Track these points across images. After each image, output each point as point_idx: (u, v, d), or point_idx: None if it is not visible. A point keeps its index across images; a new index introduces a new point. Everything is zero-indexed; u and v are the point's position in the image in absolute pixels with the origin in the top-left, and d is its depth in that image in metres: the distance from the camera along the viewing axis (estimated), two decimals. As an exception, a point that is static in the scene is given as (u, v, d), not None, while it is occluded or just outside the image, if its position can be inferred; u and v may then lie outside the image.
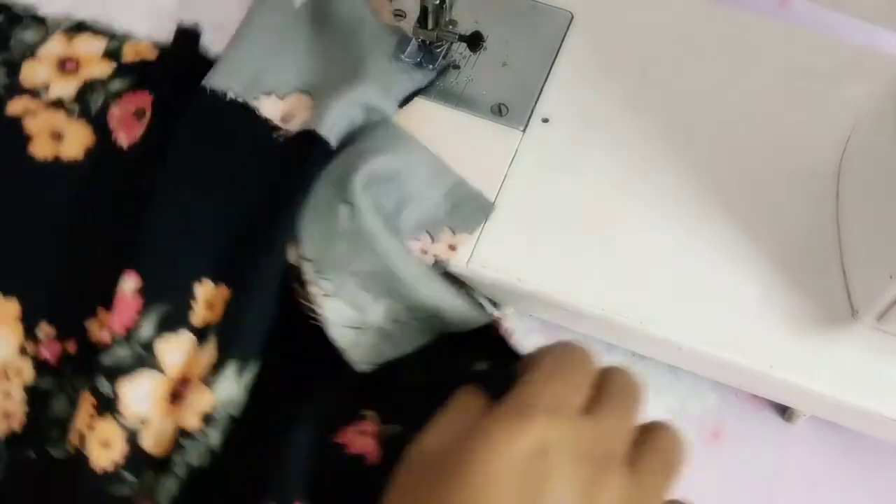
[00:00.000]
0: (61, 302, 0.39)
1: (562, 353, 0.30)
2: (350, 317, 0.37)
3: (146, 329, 0.36)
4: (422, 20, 0.44)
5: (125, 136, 0.44)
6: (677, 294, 0.40)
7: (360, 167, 0.38)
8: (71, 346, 0.38)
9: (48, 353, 0.38)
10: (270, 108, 0.42)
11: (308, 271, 0.36)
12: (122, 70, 0.46)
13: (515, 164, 0.43)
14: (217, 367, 0.35)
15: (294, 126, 0.42)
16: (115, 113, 0.44)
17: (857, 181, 0.41)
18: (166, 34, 0.49)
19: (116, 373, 0.35)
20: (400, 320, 0.37)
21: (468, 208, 0.41)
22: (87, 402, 0.35)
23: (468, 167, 0.43)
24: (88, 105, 0.45)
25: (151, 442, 0.34)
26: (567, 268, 0.40)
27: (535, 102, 0.45)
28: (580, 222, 0.42)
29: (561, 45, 0.47)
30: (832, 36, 0.49)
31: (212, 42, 0.47)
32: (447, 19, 0.45)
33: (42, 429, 0.37)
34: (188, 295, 0.36)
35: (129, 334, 0.35)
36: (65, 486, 0.34)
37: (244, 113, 0.42)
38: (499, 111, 0.45)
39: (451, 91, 0.46)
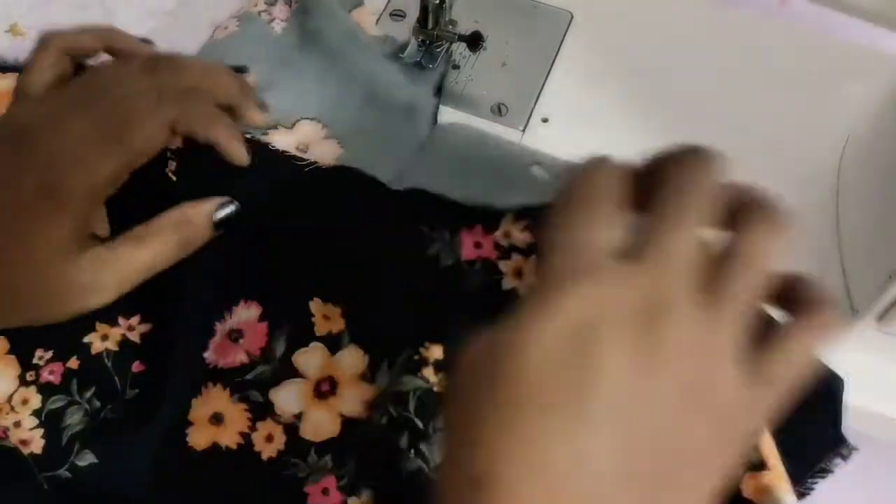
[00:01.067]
0: (48, 326, 0.38)
1: (577, 185, 0.25)
2: None
3: (279, 348, 0.39)
4: (422, 20, 0.44)
5: None
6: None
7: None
8: (73, 363, 0.39)
9: (51, 375, 0.39)
10: (284, 141, 0.42)
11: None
12: None
13: (515, 164, 0.43)
14: (372, 368, 0.38)
15: (316, 156, 0.41)
16: None
17: (857, 181, 0.41)
18: (166, 34, 0.49)
19: (265, 385, 0.38)
20: None
21: None
22: (239, 409, 0.38)
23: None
24: None
25: (311, 431, 0.38)
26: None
27: (535, 102, 0.45)
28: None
29: (561, 45, 0.47)
30: (832, 36, 0.49)
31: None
32: (447, 19, 0.45)
33: (63, 447, 0.37)
34: (306, 313, 0.39)
35: (265, 354, 0.39)
36: (233, 475, 0.37)
37: (262, 150, 0.41)
38: (498, 111, 0.45)
39: (450, 91, 0.46)
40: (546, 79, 0.46)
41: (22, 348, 0.39)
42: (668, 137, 0.44)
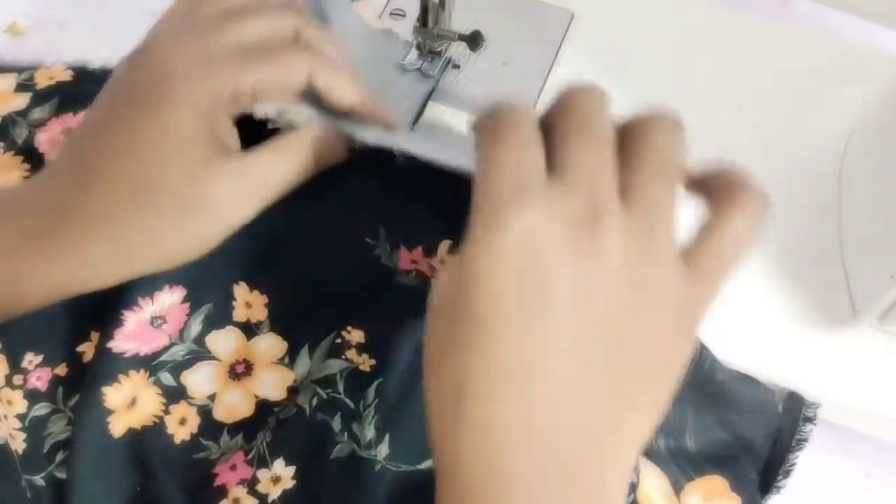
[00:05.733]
0: (44, 330, 0.39)
1: (491, 121, 0.27)
2: None
3: (195, 328, 0.39)
4: (422, 19, 0.44)
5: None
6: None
7: None
8: (62, 370, 0.38)
9: (38, 381, 0.38)
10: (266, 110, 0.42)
11: None
12: (38, 98, 0.45)
13: (516, 164, 0.43)
14: (292, 353, 0.39)
15: None
16: (43, 137, 0.44)
17: (858, 181, 0.41)
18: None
19: (177, 368, 0.38)
20: None
21: None
22: (152, 394, 0.38)
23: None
24: (13, 138, 0.44)
25: (223, 413, 0.38)
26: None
27: (536, 102, 0.45)
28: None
29: (561, 44, 0.47)
30: (832, 36, 0.49)
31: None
32: (448, 18, 0.45)
33: (44, 454, 0.37)
34: (229, 296, 0.39)
35: (182, 334, 0.38)
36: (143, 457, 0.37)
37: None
38: (499, 111, 0.45)
39: (450, 91, 0.46)
40: (547, 78, 0.46)
41: (13, 349, 0.38)
42: (669, 137, 0.44)
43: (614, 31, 0.48)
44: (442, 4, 0.43)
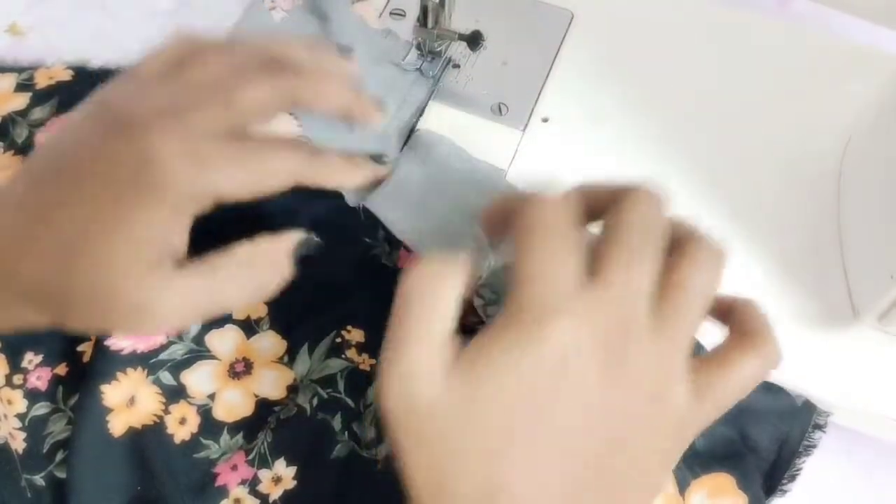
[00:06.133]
0: (44, 330, 0.38)
1: (528, 220, 0.27)
2: None
3: (193, 327, 0.39)
4: (422, 19, 0.44)
5: None
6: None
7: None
8: (62, 370, 0.39)
9: (38, 381, 0.38)
10: None
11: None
12: (38, 97, 0.45)
13: (515, 164, 0.43)
14: (291, 352, 0.39)
15: None
16: (42, 139, 0.44)
17: (858, 181, 0.41)
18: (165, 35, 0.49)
19: (176, 367, 0.39)
20: None
21: None
22: (151, 393, 0.38)
23: (468, 167, 0.43)
24: (13, 138, 0.44)
25: (223, 412, 0.38)
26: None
27: (535, 102, 0.45)
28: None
29: (561, 44, 0.47)
30: (832, 35, 0.49)
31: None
32: (447, 18, 0.45)
33: (44, 454, 0.37)
34: None
35: (180, 335, 0.39)
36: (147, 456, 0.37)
37: None
38: (499, 110, 0.45)
39: (450, 90, 0.46)
40: (546, 78, 0.46)
41: (13, 349, 0.39)
42: (669, 137, 0.44)
43: (614, 32, 0.48)
44: (442, 4, 0.43)
